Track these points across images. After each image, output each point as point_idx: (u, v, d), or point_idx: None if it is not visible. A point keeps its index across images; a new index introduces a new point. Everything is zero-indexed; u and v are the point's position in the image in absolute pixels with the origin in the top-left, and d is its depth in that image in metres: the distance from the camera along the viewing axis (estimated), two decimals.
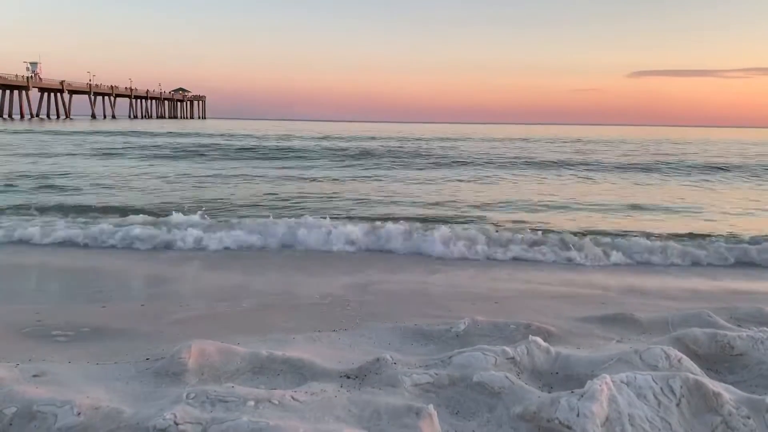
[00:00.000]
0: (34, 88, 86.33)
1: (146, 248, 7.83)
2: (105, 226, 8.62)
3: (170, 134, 43.20)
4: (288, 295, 5.61)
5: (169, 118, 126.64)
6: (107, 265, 6.93)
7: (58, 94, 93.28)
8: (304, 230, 8.43)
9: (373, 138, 44.33)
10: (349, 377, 2.90)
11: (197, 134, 45.21)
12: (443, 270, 7.05)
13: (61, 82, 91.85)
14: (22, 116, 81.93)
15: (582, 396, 2.37)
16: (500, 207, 12.72)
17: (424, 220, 10.37)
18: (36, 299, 5.45)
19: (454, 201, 13.47)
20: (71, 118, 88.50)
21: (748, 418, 2.37)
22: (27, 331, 4.21)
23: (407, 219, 10.16)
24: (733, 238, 8.87)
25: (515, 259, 7.71)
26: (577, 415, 2.28)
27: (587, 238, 8.50)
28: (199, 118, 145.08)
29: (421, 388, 2.74)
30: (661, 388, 2.47)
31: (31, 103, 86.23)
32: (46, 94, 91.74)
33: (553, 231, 9.44)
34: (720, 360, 3.13)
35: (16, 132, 40.71)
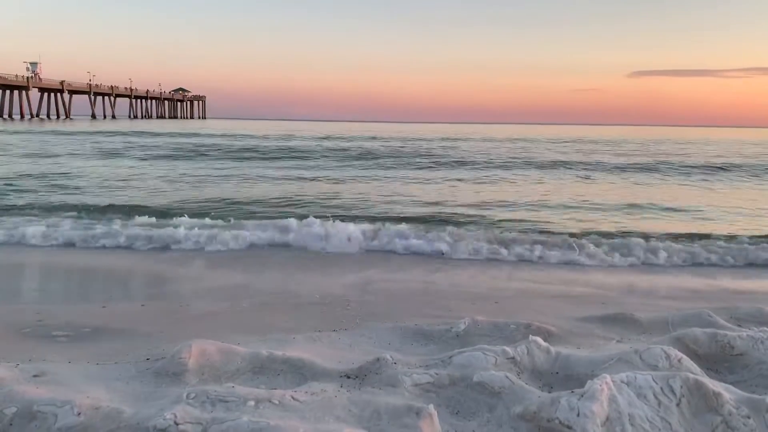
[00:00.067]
0: (34, 88, 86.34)
1: (146, 248, 7.84)
2: (105, 226, 8.63)
3: (170, 134, 43.21)
4: (288, 295, 5.61)
5: (169, 118, 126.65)
6: (107, 265, 6.93)
7: (58, 94, 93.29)
8: (304, 230, 8.44)
9: (373, 138, 44.35)
10: (349, 377, 2.90)
11: (197, 134, 45.22)
12: (443, 270, 7.05)
13: (61, 82, 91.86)
14: (22, 116, 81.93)
15: (582, 396, 2.37)
16: (500, 207, 12.72)
17: (424, 219, 10.39)
18: (36, 299, 5.45)
19: (454, 201, 13.47)
20: (71, 118, 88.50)
21: (749, 417, 2.37)
22: (27, 331, 4.22)
23: (407, 219, 10.17)
24: (733, 238, 8.87)
25: (515, 258, 7.71)
26: (578, 415, 2.28)
27: (587, 238, 8.50)
28: (199, 118, 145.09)
29: (422, 388, 2.74)
30: (662, 388, 2.47)
31: (31, 103, 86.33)
32: (46, 94, 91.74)
33: (553, 231, 9.45)
34: (720, 360, 3.13)
35: (16, 132, 40.72)
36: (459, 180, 18.53)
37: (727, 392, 2.49)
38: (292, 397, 2.52)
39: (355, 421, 2.39)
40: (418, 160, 25.74)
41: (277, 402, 2.46)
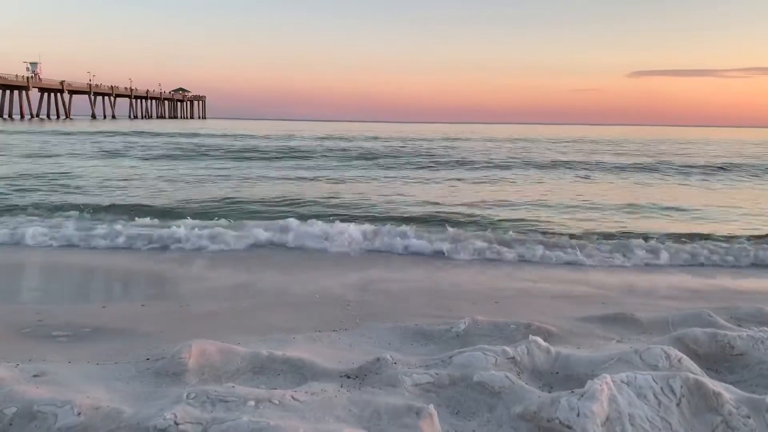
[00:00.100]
0: (34, 88, 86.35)
1: (146, 248, 7.83)
2: (105, 225, 8.63)
3: (171, 134, 43.22)
4: (288, 295, 5.61)
5: (169, 118, 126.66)
6: (108, 265, 6.93)
7: (58, 94, 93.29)
8: (305, 230, 8.44)
9: (374, 138, 44.36)
10: (349, 377, 2.90)
11: (197, 134, 45.22)
12: (443, 270, 7.05)
13: (61, 82, 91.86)
14: (22, 116, 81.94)
15: (582, 396, 2.37)
16: (500, 207, 12.72)
17: (424, 219, 10.38)
18: (37, 299, 5.45)
19: (454, 201, 13.47)
20: (71, 119, 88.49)
21: (749, 417, 2.37)
22: (27, 331, 4.22)
23: (407, 219, 10.17)
24: (733, 238, 8.87)
25: (515, 258, 7.71)
26: (578, 415, 2.28)
27: (587, 238, 8.50)
28: (199, 118, 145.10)
29: (422, 388, 2.74)
30: (662, 388, 2.47)
31: (31, 103, 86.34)
32: (46, 94, 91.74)
33: (553, 231, 9.45)
34: (720, 360, 3.13)
35: (16, 132, 40.72)
36: (459, 180, 18.53)
37: (727, 392, 2.49)
38: (292, 397, 2.52)
39: (355, 421, 2.39)
40: (418, 160, 25.74)
41: (277, 402, 2.46)
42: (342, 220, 9.11)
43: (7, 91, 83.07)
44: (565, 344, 3.54)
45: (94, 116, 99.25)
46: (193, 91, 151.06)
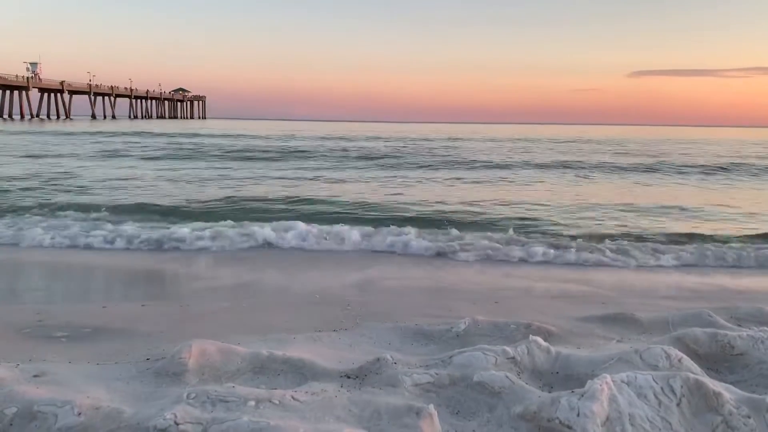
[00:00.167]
0: (34, 89, 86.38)
1: (147, 248, 7.84)
2: (106, 225, 8.63)
3: (171, 134, 43.24)
4: (288, 295, 5.61)
5: (169, 118, 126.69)
6: (108, 265, 6.94)
7: (58, 95, 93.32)
8: (305, 230, 8.44)
9: (374, 138, 44.37)
10: (349, 377, 2.90)
11: (198, 134, 45.24)
12: (443, 269, 7.05)
13: (61, 83, 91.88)
14: (22, 117, 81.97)
15: (582, 396, 2.37)
16: (500, 207, 12.72)
17: (425, 219, 10.38)
18: (37, 299, 5.45)
19: (455, 201, 13.47)
20: (71, 119, 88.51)
21: (749, 417, 2.37)
22: (27, 331, 4.21)
23: (408, 219, 10.17)
24: (733, 238, 8.86)
25: (515, 258, 7.71)
26: (578, 415, 2.28)
27: (588, 238, 8.50)
28: (199, 118, 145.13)
29: (422, 388, 2.74)
30: (662, 388, 2.47)
31: (31, 103, 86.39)
32: (46, 95, 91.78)
33: (553, 231, 9.45)
34: (720, 360, 3.13)
35: (16, 132, 40.72)
36: (459, 180, 18.53)
37: (727, 392, 2.49)
38: (293, 397, 2.52)
39: (355, 421, 2.39)
40: (418, 159, 25.74)
41: (277, 402, 2.46)
42: (342, 220, 9.11)
43: (7, 92, 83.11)
44: (565, 344, 3.53)
45: (94, 116, 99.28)
46: (193, 91, 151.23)
